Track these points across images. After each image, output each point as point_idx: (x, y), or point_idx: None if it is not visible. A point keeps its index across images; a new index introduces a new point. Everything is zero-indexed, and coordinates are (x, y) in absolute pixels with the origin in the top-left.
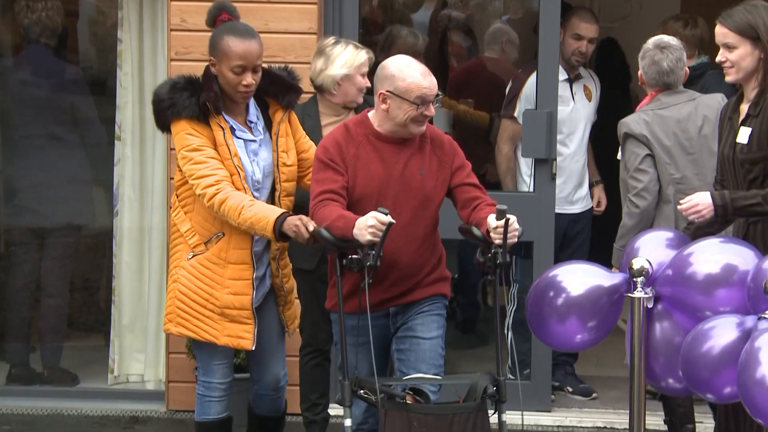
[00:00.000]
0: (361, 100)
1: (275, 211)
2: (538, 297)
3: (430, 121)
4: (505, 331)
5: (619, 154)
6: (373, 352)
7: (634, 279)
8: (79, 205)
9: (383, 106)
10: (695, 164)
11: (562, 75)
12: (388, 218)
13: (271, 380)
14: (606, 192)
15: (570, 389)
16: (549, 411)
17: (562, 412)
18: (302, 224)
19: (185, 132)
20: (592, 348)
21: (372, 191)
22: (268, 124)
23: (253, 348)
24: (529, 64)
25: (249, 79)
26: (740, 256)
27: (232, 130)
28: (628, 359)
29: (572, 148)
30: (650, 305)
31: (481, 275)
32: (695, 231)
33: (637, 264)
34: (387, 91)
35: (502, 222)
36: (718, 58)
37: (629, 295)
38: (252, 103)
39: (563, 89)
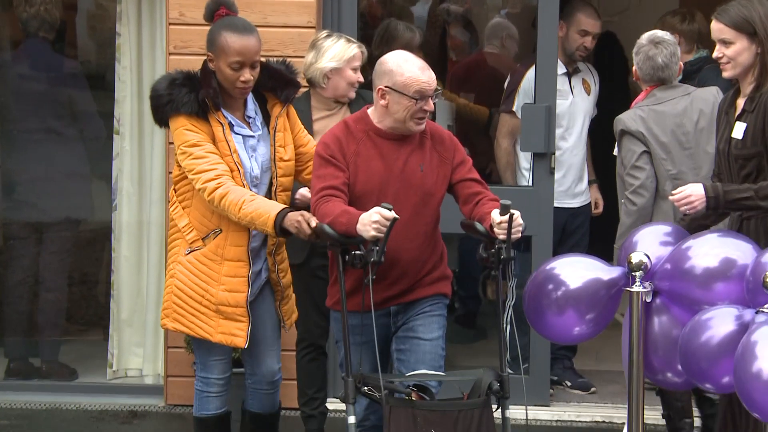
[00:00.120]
0: (353, 95)
1: (276, 207)
2: (536, 289)
3: (433, 117)
4: (504, 326)
5: (615, 150)
6: (377, 350)
7: (633, 273)
8: (78, 199)
9: (382, 102)
10: (692, 159)
11: (561, 69)
12: (392, 214)
13: (266, 373)
14: (602, 187)
15: (569, 384)
16: (547, 405)
17: (561, 407)
18: (304, 220)
19: (184, 128)
20: (591, 342)
21: (372, 188)
22: (266, 119)
23: (246, 346)
24: (527, 58)
25: (247, 75)
26: (739, 250)
27: (231, 126)
28: (623, 354)
29: (571, 142)
30: (648, 299)
31: (481, 269)
32: (690, 223)
33: (635, 258)
34: (386, 86)
35: (506, 217)
36: (714, 54)
37: (627, 289)
38: (250, 97)
39: (562, 83)
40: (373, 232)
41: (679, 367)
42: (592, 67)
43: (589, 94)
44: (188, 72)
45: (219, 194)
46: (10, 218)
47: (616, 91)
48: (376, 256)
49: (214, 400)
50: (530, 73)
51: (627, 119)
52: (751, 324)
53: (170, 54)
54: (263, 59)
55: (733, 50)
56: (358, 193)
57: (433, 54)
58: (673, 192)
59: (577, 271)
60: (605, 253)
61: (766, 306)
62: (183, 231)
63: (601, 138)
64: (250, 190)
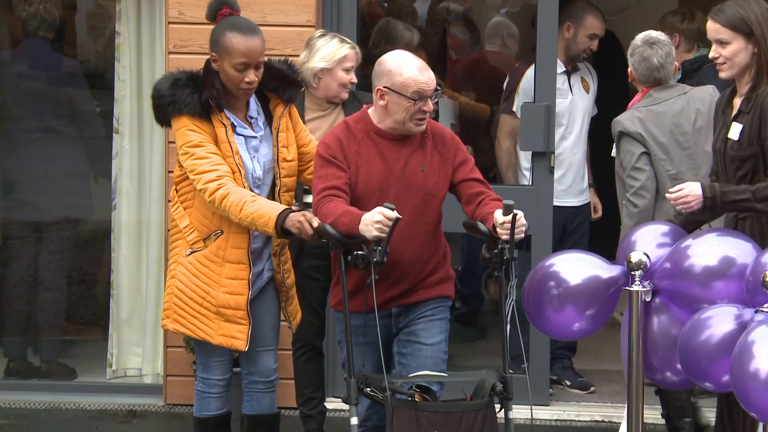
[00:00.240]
0: (345, 95)
1: (277, 208)
2: (536, 285)
3: (436, 115)
4: (506, 326)
5: (614, 151)
6: (381, 351)
7: (632, 272)
8: (77, 198)
9: (381, 102)
10: (691, 159)
11: (560, 67)
12: (395, 214)
13: (262, 371)
14: (601, 189)
15: (568, 383)
16: (547, 405)
17: (560, 406)
18: (306, 220)
19: (186, 128)
20: (591, 342)
21: (373, 189)
22: (269, 119)
23: (246, 349)
24: (526, 57)
25: (252, 76)
26: (738, 249)
27: (233, 126)
28: (623, 353)
29: (571, 140)
30: (648, 299)
31: (484, 268)
32: (686, 218)
33: (635, 257)
34: (384, 86)
35: (509, 217)
36: (710, 55)
37: (627, 288)
38: (252, 98)
39: (561, 82)
40: (376, 233)
41: (679, 366)
42: (591, 66)
43: (588, 93)
44: (191, 72)
45: (220, 195)
46: (9, 217)
47: (615, 89)
48: (378, 256)
49: (215, 401)
50: (529, 72)
51: (625, 121)
52: (750, 323)
53: (170, 53)
54: (265, 59)
55: (729, 50)
56: (359, 193)
57: (433, 53)
58: (671, 190)
59: (577, 267)
60: (605, 254)
61: (765, 306)
62: (184, 232)
63: (601, 140)
64: (252, 191)
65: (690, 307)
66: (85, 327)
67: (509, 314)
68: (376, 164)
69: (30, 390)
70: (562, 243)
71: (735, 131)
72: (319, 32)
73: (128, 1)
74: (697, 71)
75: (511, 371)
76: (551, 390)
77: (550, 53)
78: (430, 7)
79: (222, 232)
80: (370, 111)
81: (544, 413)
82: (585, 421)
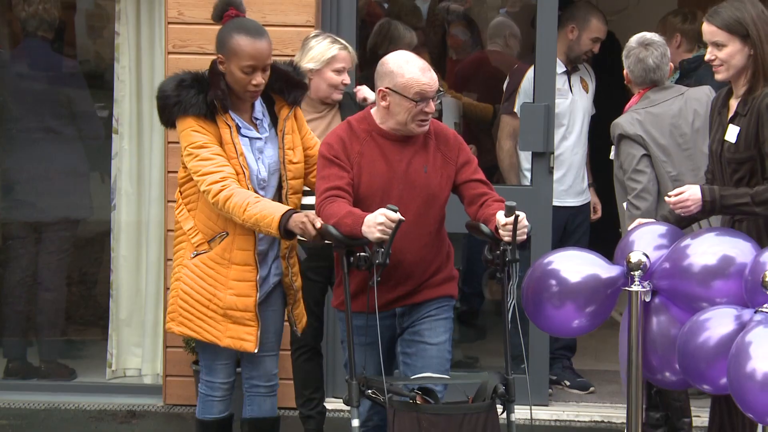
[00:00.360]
0: (337, 96)
1: (280, 208)
2: (535, 282)
3: (439, 115)
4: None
5: (612, 153)
6: (380, 353)
7: (632, 273)
8: (77, 198)
9: (383, 103)
10: (691, 160)
11: (560, 68)
12: (398, 215)
13: (264, 374)
14: (599, 190)
15: (567, 383)
16: (546, 405)
17: (560, 406)
18: (309, 221)
19: (191, 129)
20: (590, 342)
21: (376, 190)
22: (274, 121)
23: (257, 351)
24: (525, 58)
25: (259, 78)
26: (737, 248)
27: (238, 128)
28: (621, 353)
29: (572, 141)
30: (647, 299)
31: (485, 268)
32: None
33: (634, 258)
34: (386, 87)
35: (512, 219)
36: (706, 57)
37: (626, 289)
38: (258, 99)
39: (561, 82)
40: (378, 234)
41: (677, 366)
42: (589, 66)
43: (587, 93)
44: (196, 73)
45: (224, 196)
46: (8, 218)
47: (615, 89)
48: (381, 257)
49: (218, 404)
50: (530, 73)
51: (624, 123)
52: (749, 323)
53: (169, 53)
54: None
55: (725, 53)
56: (362, 194)
57: (434, 53)
58: (670, 193)
59: (576, 265)
60: (605, 254)
61: (765, 306)
62: (188, 234)
63: (600, 140)
64: (257, 192)
65: (689, 306)
66: (85, 327)
67: (510, 315)
68: (379, 165)
69: (29, 390)
70: (562, 243)
71: (732, 134)
72: (314, 33)
73: (128, 1)
74: (695, 70)
75: (513, 373)
76: (551, 390)
77: (550, 53)
78: (430, 7)
79: (227, 233)
80: (373, 111)
81: (543, 413)
82: (584, 421)
